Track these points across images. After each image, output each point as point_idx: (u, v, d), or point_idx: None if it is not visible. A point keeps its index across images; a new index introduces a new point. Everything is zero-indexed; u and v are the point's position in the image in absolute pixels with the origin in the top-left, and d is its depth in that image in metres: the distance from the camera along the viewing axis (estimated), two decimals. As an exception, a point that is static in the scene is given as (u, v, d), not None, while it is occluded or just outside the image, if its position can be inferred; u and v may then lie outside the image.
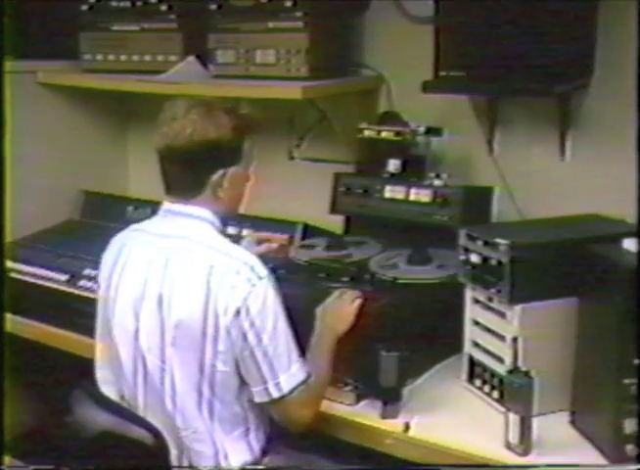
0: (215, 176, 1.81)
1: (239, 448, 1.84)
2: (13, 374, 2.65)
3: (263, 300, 1.74)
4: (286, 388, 1.77)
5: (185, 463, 1.82)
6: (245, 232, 2.66)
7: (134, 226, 1.96)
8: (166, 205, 1.87)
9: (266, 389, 1.77)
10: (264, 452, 1.89)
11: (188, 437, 1.81)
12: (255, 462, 1.86)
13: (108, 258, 1.95)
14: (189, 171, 1.81)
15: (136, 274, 1.84)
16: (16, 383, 2.72)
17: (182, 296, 1.76)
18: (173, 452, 1.80)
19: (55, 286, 2.57)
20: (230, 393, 1.81)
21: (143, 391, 1.85)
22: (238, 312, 1.73)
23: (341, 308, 1.93)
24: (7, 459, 2.55)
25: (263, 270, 1.78)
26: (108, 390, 1.93)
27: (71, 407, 1.88)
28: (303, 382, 1.79)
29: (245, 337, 1.74)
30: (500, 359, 1.91)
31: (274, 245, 2.30)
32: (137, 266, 1.85)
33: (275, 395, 1.77)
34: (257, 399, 1.80)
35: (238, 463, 1.83)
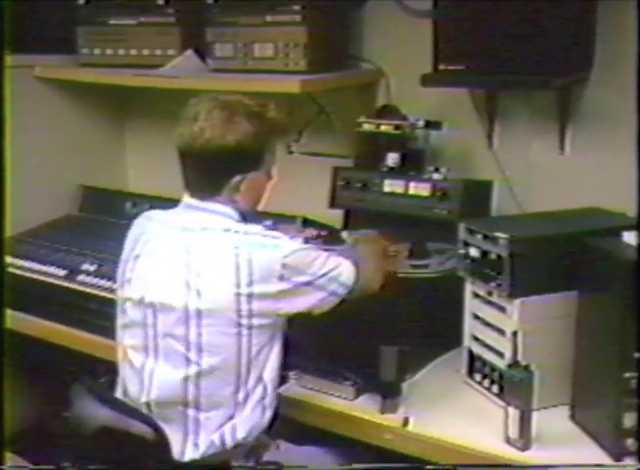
0: (233, 181, 1.81)
1: (253, 416, 1.83)
2: (12, 369, 2.65)
3: (294, 250, 1.79)
4: (349, 281, 1.86)
5: (189, 444, 1.80)
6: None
7: (153, 215, 1.94)
8: (186, 199, 1.87)
9: (338, 295, 1.85)
10: (275, 415, 1.89)
11: (210, 418, 1.80)
12: (264, 430, 1.87)
13: (126, 246, 1.94)
14: (206, 174, 1.82)
15: (155, 266, 1.83)
16: (15, 378, 2.73)
17: (212, 282, 1.76)
18: (176, 438, 1.79)
19: (53, 281, 2.57)
20: (262, 363, 1.82)
21: (155, 387, 1.83)
22: (282, 277, 1.76)
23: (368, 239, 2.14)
24: (6, 454, 2.56)
25: (275, 232, 1.84)
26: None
27: (71, 402, 1.88)
28: (355, 265, 1.88)
29: (306, 283, 1.80)
30: (500, 354, 1.90)
31: (314, 232, 2.33)
32: (156, 259, 1.83)
33: (344, 292, 1.86)
34: (338, 300, 1.86)
35: (248, 429, 1.82)
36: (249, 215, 1.89)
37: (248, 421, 1.82)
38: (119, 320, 1.92)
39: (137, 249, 1.89)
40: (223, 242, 1.78)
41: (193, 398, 1.79)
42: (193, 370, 1.78)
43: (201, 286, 1.77)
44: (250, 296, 1.75)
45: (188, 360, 1.78)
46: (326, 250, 1.96)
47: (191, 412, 1.80)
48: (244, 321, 1.76)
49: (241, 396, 1.81)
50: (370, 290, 1.93)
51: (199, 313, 1.77)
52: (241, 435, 1.81)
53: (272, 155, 1.87)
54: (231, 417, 1.81)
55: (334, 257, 1.89)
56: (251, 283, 1.75)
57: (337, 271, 1.85)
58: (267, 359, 1.84)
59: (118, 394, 1.91)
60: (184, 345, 1.78)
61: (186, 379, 1.79)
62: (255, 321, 1.77)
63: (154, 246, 1.86)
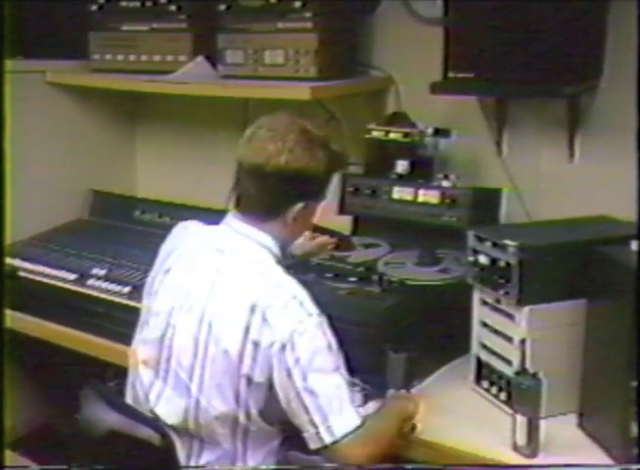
0: (294, 208, 1.74)
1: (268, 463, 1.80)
2: (22, 373, 2.67)
3: (311, 338, 1.65)
4: (338, 432, 1.64)
5: (192, 462, 1.78)
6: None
7: (192, 228, 1.88)
8: (231, 219, 1.79)
9: (317, 433, 1.64)
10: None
11: (212, 447, 1.77)
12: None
13: (160, 255, 1.89)
14: (269, 196, 1.73)
15: (181, 286, 1.78)
16: (25, 381, 2.75)
17: (225, 319, 1.69)
18: (182, 453, 1.78)
19: (63, 285, 2.57)
20: (268, 420, 1.75)
21: (165, 404, 1.79)
22: (283, 347, 1.63)
23: (405, 409, 1.84)
24: (15, 457, 2.58)
25: (313, 308, 1.68)
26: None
27: (80, 406, 1.88)
28: (358, 427, 1.65)
29: (289, 374, 1.64)
30: (508, 361, 1.90)
31: (331, 240, 2.24)
32: (185, 278, 1.78)
33: (327, 440, 1.64)
34: (312, 446, 1.67)
35: None
36: (285, 248, 1.82)
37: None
38: (138, 329, 1.88)
39: (169, 261, 1.83)
40: (251, 282, 1.70)
41: (194, 428, 1.75)
42: (193, 403, 1.74)
43: (214, 319, 1.70)
44: (255, 346, 1.65)
45: (189, 392, 1.74)
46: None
47: (194, 440, 1.77)
48: (244, 370, 1.67)
49: (240, 437, 1.75)
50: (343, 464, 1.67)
51: (206, 347, 1.71)
52: None
53: (329, 188, 1.83)
54: (233, 458, 1.76)
55: (348, 403, 1.66)
56: (260, 332, 1.65)
57: (331, 414, 1.63)
58: (278, 410, 1.71)
59: (129, 400, 1.88)
60: (188, 375, 1.73)
61: (187, 410, 1.74)
62: (257, 375, 1.67)
63: (185, 263, 1.80)
